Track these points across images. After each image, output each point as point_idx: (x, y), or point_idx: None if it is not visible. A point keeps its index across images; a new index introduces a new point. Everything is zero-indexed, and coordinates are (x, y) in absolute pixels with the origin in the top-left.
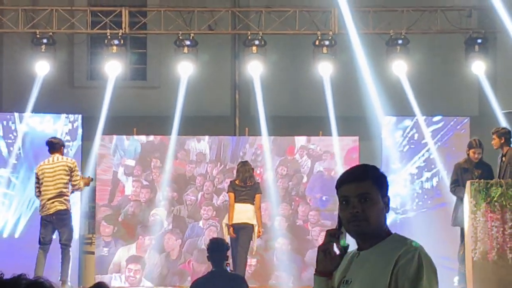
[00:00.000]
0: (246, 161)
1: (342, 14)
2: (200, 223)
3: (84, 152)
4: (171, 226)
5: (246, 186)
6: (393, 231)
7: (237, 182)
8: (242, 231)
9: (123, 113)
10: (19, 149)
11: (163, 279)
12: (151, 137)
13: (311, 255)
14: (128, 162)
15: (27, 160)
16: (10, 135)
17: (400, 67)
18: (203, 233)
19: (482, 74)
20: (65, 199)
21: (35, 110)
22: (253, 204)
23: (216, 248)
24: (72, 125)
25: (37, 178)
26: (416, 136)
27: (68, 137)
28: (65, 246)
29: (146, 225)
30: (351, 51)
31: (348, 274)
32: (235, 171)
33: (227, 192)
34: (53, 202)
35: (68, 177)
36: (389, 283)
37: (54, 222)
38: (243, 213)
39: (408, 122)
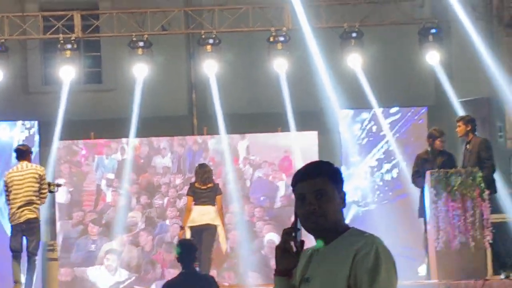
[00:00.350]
0: (204, 163)
1: (294, 9)
2: (167, 222)
3: (42, 158)
4: (144, 225)
5: (206, 188)
6: (355, 224)
7: (196, 184)
8: (205, 232)
9: (80, 117)
10: None
11: (139, 268)
12: (125, 155)
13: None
14: (108, 175)
15: None
16: None
17: (355, 60)
18: (169, 229)
19: (438, 64)
20: (35, 207)
21: None
22: (214, 205)
23: (185, 250)
24: (29, 132)
25: (6, 186)
26: (374, 128)
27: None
28: (32, 255)
29: (124, 225)
30: (305, 46)
31: (308, 271)
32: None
33: (186, 195)
34: (23, 211)
35: (38, 185)
36: (348, 277)
37: (24, 230)
38: (206, 214)
39: (365, 115)
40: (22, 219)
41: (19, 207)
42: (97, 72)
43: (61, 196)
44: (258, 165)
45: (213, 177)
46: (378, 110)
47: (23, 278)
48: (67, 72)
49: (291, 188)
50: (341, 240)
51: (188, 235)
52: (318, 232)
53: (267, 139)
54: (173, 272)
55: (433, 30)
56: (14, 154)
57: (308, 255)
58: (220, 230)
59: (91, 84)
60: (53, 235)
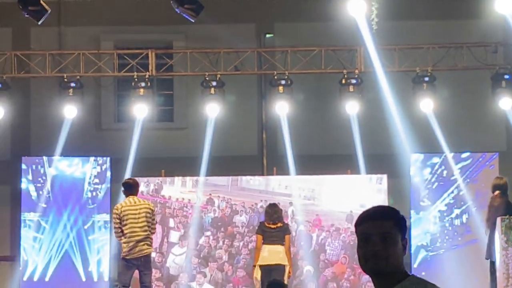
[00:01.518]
0: (275, 203)
1: (368, 52)
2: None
3: (113, 194)
4: (227, 258)
5: (275, 227)
6: (423, 268)
7: (266, 224)
8: (275, 272)
9: (151, 155)
10: (48, 193)
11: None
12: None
13: None
14: None
15: (56, 204)
16: (39, 179)
17: (427, 104)
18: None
19: (510, 109)
20: (151, 242)
21: (64, 153)
22: (283, 244)
23: None
24: (101, 168)
25: (119, 219)
26: (444, 173)
27: (96, 180)
28: (151, 286)
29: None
30: (377, 89)
31: None
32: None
33: (256, 234)
34: (143, 245)
35: (151, 220)
36: None
37: (140, 265)
38: (276, 254)
39: (436, 159)
40: (141, 254)
41: (138, 242)
42: (169, 111)
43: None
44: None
45: (283, 217)
46: (449, 155)
47: None
48: (140, 110)
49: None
50: (399, 287)
51: (258, 273)
52: (377, 275)
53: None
54: None
55: (507, 76)
56: (122, 189)
57: None
58: (287, 270)
59: (163, 122)
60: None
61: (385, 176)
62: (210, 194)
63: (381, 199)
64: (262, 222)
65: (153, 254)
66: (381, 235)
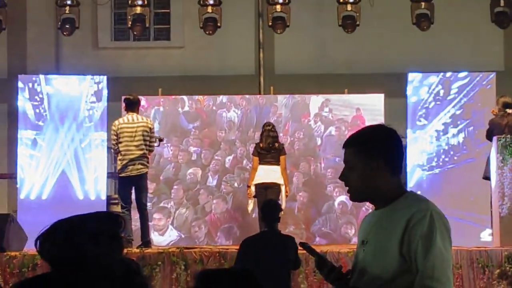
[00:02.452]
0: (271, 124)
1: None
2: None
3: (110, 113)
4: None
5: (270, 149)
6: (419, 188)
7: (261, 145)
8: (270, 190)
9: (147, 73)
10: (45, 111)
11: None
12: (185, 108)
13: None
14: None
15: (53, 122)
16: (36, 97)
17: (424, 24)
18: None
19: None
20: (146, 161)
21: (60, 71)
22: (278, 165)
23: (269, 209)
24: (98, 86)
25: (116, 136)
26: (441, 92)
27: (93, 98)
28: (145, 206)
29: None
30: (375, 8)
31: (365, 235)
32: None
33: (252, 155)
34: (136, 164)
35: (148, 138)
36: (401, 242)
37: (135, 183)
38: (271, 173)
39: (433, 79)
40: (134, 172)
41: (132, 160)
42: (166, 29)
43: None
44: (331, 122)
45: (279, 137)
46: (446, 74)
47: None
48: (137, 28)
49: None
50: (396, 204)
51: (252, 192)
52: (358, 200)
53: (337, 98)
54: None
55: None
56: (123, 105)
57: (368, 218)
58: (283, 190)
59: (159, 41)
60: (116, 189)
61: (382, 96)
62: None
63: (378, 119)
64: (258, 143)
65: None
66: (345, 163)
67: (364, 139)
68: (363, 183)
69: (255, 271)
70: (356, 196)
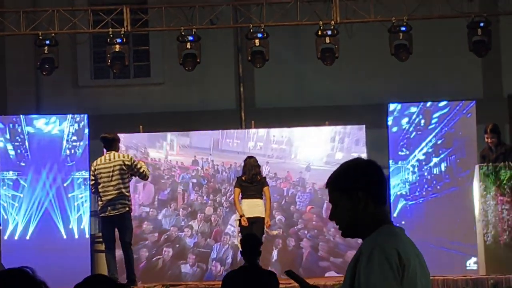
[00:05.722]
0: (252, 157)
1: (343, 3)
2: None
3: (92, 151)
4: None
5: (253, 181)
6: (403, 218)
7: (244, 178)
8: (254, 225)
9: (128, 111)
10: (26, 151)
11: None
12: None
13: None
14: None
15: (35, 162)
16: (17, 138)
17: (403, 54)
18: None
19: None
20: (127, 200)
21: (41, 111)
22: (261, 198)
23: (249, 244)
24: (78, 125)
25: (94, 177)
26: (422, 122)
27: (74, 137)
28: (128, 244)
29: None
30: (353, 40)
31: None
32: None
33: (234, 187)
34: (116, 204)
35: (127, 176)
36: (352, 277)
37: (116, 222)
38: (255, 207)
39: (413, 109)
40: (113, 213)
41: (110, 200)
42: (146, 66)
43: None
44: None
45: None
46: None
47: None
48: (116, 66)
49: None
50: (368, 238)
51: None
52: (349, 237)
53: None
54: None
55: (482, 24)
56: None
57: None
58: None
59: (139, 78)
60: (100, 227)
61: (363, 127)
62: (195, 156)
63: (360, 150)
64: (240, 177)
65: (145, 209)
66: (331, 204)
67: (343, 177)
68: (350, 219)
69: None
70: (346, 233)
